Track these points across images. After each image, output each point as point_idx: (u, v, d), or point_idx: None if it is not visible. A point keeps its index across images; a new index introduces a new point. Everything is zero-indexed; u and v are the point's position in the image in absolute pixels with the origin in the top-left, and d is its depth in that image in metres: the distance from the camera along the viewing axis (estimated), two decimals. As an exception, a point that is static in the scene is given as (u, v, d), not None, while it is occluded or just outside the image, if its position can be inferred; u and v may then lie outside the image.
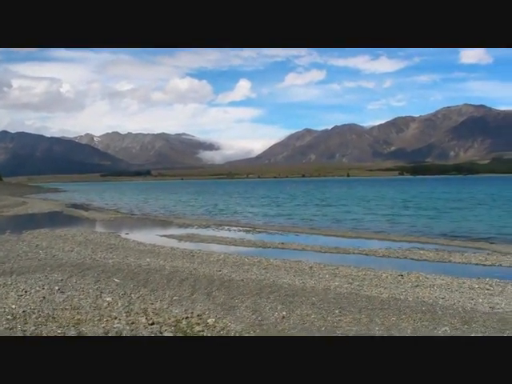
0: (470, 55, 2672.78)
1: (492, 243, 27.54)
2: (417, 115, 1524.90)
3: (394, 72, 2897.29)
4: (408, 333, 10.23)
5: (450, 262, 21.53)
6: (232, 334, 9.91)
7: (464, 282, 16.22)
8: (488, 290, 15.17)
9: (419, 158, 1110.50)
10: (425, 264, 21.06)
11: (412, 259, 22.29)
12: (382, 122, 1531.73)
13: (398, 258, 22.78)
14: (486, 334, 10.19)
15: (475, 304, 13.17)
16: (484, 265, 20.69)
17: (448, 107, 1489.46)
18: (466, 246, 26.60)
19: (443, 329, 10.49)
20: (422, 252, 23.89)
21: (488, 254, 23.38)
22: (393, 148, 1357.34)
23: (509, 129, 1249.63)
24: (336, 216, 48.53)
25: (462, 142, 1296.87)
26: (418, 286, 15.64)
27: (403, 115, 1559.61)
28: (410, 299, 13.62)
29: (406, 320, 11.22)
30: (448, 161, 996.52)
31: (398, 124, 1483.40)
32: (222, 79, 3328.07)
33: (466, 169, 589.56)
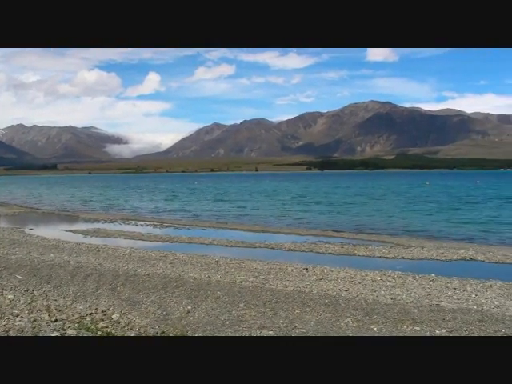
0: (377, 53, 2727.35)
1: (395, 236, 28.29)
2: (324, 111, 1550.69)
3: (303, 68, 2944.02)
4: (311, 325, 10.35)
5: (354, 255, 21.94)
6: (137, 329, 9.79)
7: (367, 275, 16.55)
8: (390, 282, 15.54)
9: (327, 152, 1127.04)
10: (330, 257, 21.39)
11: (317, 253, 22.60)
12: (291, 117, 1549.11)
13: (303, 251, 23.05)
14: (387, 325, 10.42)
15: (377, 296, 13.46)
16: (387, 257, 21.18)
17: (355, 103, 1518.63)
18: (370, 239, 27.19)
19: (345, 320, 10.68)
20: (327, 245, 24.25)
21: (391, 247, 23.95)
22: (301, 143, 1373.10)
23: (413, 125, 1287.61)
24: (240, 210, 48.93)
25: (369, 138, 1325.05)
26: (322, 278, 15.86)
27: (311, 111, 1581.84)
28: (315, 292, 13.81)
29: (310, 312, 11.37)
30: (355, 156, 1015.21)
31: (306, 119, 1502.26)
32: (131, 72, 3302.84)
33: (372, 164, 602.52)
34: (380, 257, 21.39)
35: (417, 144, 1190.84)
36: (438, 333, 9.94)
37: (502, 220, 37.51)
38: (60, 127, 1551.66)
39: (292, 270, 17.25)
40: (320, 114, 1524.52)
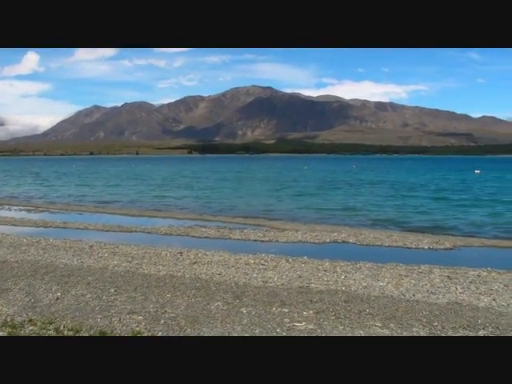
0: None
1: (271, 220, 28.68)
2: (206, 95, 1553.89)
3: (186, 52, 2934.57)
4: (182, 309, 10.38)
5: (230, 238, 22.12)
6: (4, 318, 9.51)
7: (241, 258, 16.70)
8: (263, 265, 15.72)
9: (208, 136, 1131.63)
10: (205, 241, 21.49)
11: (193, 236, 22.63)
12: (172, 100, 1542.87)
13: (180, 235, 23.04)
14: (256, 307, 10.58)
15: (249, 279, 13.61)
16: (262, 241, 21.44)
17: (236, 88, 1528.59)
18: (246, 223, 27.52)
19: (216, 304, 10.76)
20: (203, 229, 24.34)
21: (266, 230, 24.28)
22: (182, 126, 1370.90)
23: (293, 110, 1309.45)
24: (116, 195, 48.58)
25: (250, 122, 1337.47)
26: (196, 262, 15.89)
27: (193, 94, 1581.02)
28: (187, 276, 13.83)
29: (181, 296, 11.39)
30: (236, 140, 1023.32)
31: (188, 103, 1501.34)
32: (8, 51, 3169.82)
33: (253, 148, 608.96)
34: (255, 240, 21.63)
35: (297, 129, 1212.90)
36: (305, 314, 10.17)
37: (375, 203, 38.81)
38: None
39: (166, 255, 17.21)
40: (202, 98, 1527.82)
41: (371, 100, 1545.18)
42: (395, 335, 9.18)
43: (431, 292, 12.41)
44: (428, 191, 52.40)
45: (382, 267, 15.60)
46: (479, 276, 14.59)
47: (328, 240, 21.68)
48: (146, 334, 8.61)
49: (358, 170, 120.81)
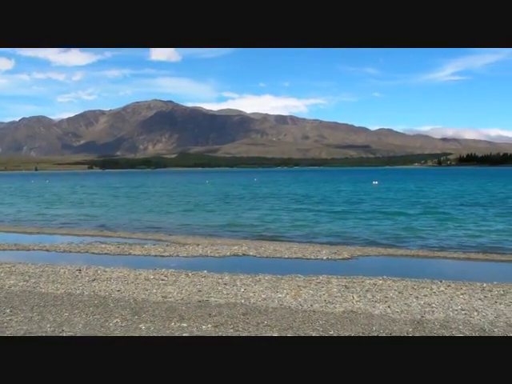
0: (160, 52, 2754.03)
1: (172, 235, 28.62)
2: (107, 109, 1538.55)
3: (86, 65, 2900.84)
4: (80, 327, 10.26)
5: (130, 254, 21.95)
6: None
7: (141, 274, 16.60)
8: (163, 280, 15.69)
9: (109, 151, 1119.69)
10: (105, 257, 21.23)
11: (93, 253, 22.32)
12: (72, 115, 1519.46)
13: (79, 252, 22.69)
14: (155, 323, 10.56)
15: (149, 294, 13.55)
16: (162, 256, 21.40)
17: (137, 102, 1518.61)
18: (146, 238, 27.41)
19: (114, 321, 10.68)
20: (103, 246, 24.05)
21: (167, 245, 24.25)
22: (82, 141, 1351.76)
23: (194, 124, 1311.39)
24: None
25: (151, 136, 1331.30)
26: (95, 279, 15.70)
27: (93, 109, 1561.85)
28: (86, 293, 13.65)
29: (79, 315, 11.24)
30: (137, 154, 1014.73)
31: (88, 117, 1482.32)
32: None
33: (155, 163, 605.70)
34: (155, 255, 21.55)
35: (198, 143, 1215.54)
36: (204, 328, 10.22)
37: (272, 216, 39.30)
38: None
39: (65, 272, 16.92)
40: (102, 112, 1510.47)
41: (272, 113, 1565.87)
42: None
43: (328, 301, 12.67)
44: (324, 204, 53.09)
45: (281, 279, 15.82)
46: (375, 284, 15.02)
47: (228, 253, 21.84)
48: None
49: (259, 183, 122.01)
